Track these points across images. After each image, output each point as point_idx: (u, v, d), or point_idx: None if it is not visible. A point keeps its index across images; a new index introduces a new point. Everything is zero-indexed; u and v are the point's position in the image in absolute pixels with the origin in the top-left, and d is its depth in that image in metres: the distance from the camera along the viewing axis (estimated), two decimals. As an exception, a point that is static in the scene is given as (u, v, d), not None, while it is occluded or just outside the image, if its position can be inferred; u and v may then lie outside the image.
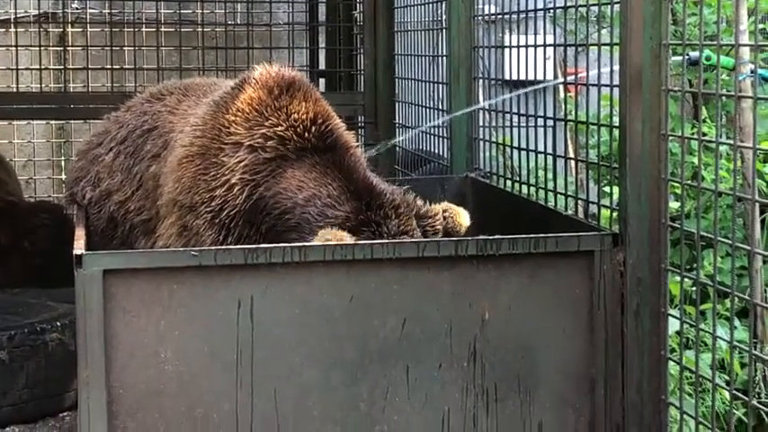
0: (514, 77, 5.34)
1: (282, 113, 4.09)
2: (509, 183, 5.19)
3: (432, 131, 6.40)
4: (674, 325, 4.06)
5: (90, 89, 8.27)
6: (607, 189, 4.59)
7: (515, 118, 5.15)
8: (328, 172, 4.03)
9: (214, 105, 4.22)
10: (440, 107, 6.35)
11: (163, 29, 8.48)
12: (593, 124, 4.59)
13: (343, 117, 4.42)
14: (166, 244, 4.21)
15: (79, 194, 4.82)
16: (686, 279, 3.97)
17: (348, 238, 3.78)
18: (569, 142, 7.06)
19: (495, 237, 3.92)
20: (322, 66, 8.64)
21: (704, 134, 7.09)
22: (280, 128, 4.07)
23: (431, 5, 6.69)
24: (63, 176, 9.05)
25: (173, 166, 4.24)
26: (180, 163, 4.19)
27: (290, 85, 4.17)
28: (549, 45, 5.04)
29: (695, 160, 4.82)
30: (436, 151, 6.37)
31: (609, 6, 4.29)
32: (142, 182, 4.52)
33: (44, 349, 5.71)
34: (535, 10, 5.02)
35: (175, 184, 4.19)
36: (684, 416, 3.94)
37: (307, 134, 4.08)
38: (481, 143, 5.59)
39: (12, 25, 8.49)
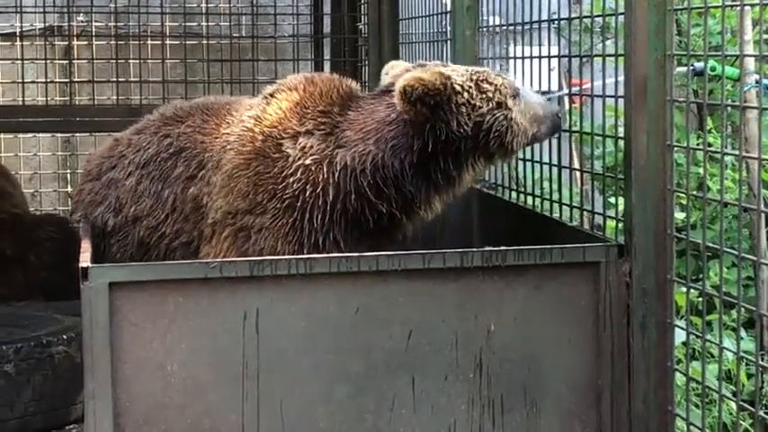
0: (519, 89, 5.34)
1: (316, 97, 4.40)
2: (514, 194, 5.19)
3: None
4: (680, 336, 4.06)
5: (95, 102, 8.27)
6: (612, 200, 4.59)
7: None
8: (372, 104, 4.37)
9: (254, 116, 4.45)
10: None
11: (168, 42, 8.49)
12: (598, 135, 4.59)
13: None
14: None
15: (99, 221, 4.80)
16: (692, 290, 3.98)
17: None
18: (574, 153, 7.06)
19: (501, 248, 3.93)
20: (327, 78, 8.63)
21: (709, 145, 7.09)
22: (320, 106, 4.37)
23: (435, 17, 6.70)
24: (69, 189, 9.06)
25: (223, 182, 4.39)
26: (231, 175, 4.36)
27: (312, 79, 4.52)
28: (554, 56, 5.05)
29: (701, 171, 4.83)
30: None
31: (613, 17, 4.29)
32: (177, 205, 4.57)
33: (50, 362, 5.71)
34: (540, 21, 5.02)
35: (228, 196, 4.36)
36: (691, 427, 3.94)
37: (338, 93, 4.42)
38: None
39: (17, 39, 8.50)
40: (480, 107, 4.22)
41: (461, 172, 4.29)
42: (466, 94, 4.20)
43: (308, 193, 4.23)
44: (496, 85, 4.27)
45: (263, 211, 4.27)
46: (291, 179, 4.25)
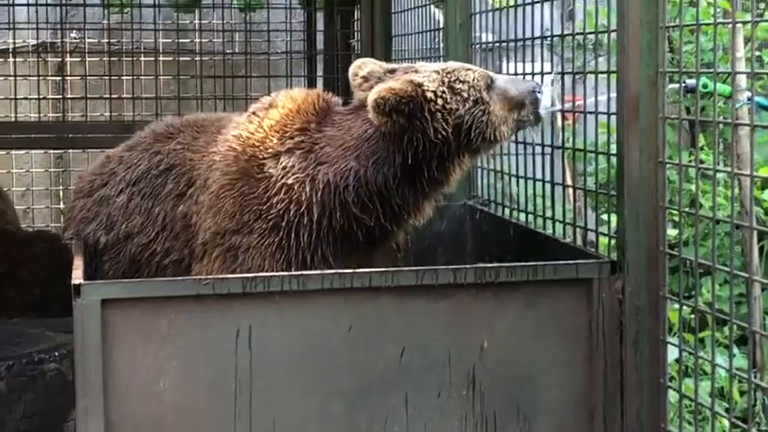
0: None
1: (293, 114, 4.37)
2: (507, 210, 5.19)
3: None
4: (672, 353, 4.06)
5: (88, 118, 8.26)
6: (605, 217, 4.59)
7: (513, 145, 5.15)
8: (348, 119, 4.33)
9: (237, 135, 4.42)
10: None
11: (161, 58, 8.49)
12: (590, 152, 4.59)
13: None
14: None
15: (91, 238, 4.80)
16: (685, 307, 3.97)
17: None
18: (567, 170, 7.07)
19: (494, 265, 3.93)
20: (320, 95, 8.64)
21: (702, 161, 7.11)
22: (298, 123, 4.33)
23: (428, 33, 6.70)
24: (61, 206, 9.06)
25: (211, 202, 4.38)
26: (218, 195, 4.35)
27: (291, 95, 4.48)
28: (547, 73, 5.05)
29: (693, 188, 4.83)
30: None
31: (606, 34, 4.30)
32: (167, 222, 4.56)
33: (42, 379, 5.69)
34: (533, 38, 5.02)
35: (216, 216, 4.34)
36: (684, 444, 3.93)
37: (314, 109, 4.38)
38: (479, 171, 5.60)
39: (10, 55, 8.51)
40: (457, 109, 4.17)
41: (448, 174, 4.26)
42: (440, 101, 4.16)
43: (291, 212, 4.21)
44: (469, 81, 4.22)
45: (250, 231, 4.26)
46: (275, 199, 4.23)
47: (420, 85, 4.15)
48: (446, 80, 4.21)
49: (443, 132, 4.15)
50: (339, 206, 4.20)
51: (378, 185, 4.19)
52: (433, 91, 4.16)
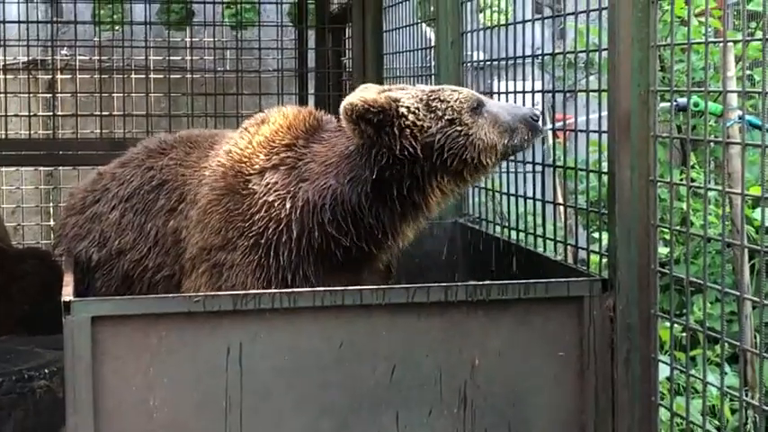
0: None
1: (283, 130, 4.35)
2: (498, 228, 5.19)
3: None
4: (664, 371, 4.05)
5: (79, 136, 8.25)
6: (596, 235, 4.59)
7: (504, 163, 5.15)
8: (335, 136, 4.31)
9: (228, 151, 4.41)
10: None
11: (152, 75, 8.49)
12: (581, 170, 4.60)
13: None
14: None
15: (83, 255, 4.78)
16: (676, 325, 3.97)
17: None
18: (558, 188, 7.07)
19: (485, 282, 3.92)
20: (311, 112, 8.65)
21: (693, 180, 7.11)
22: (286, 140, 4.31)
23: (420, 52, 6.71)
24: (51, 223, 9.04)
25: (199, 217, 4.37)
26: (206, 211, 4.33)
27: (282, 112, 4.47)
28: (538, 91, 5.06)
29: (684, 206, 4.83)
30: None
31: (597, 53, 4.30)
32: (159, 238, 4.55)
33: (32, 396, 5.67)
34: (524, 56, 5.03)
35: (203, 232, 4.33)
36: (675, 462, 3.92)
37: (304, 125, 4.37)
38: (470, 189, 5.59)
39: (1, 72, 8.49)
40: (429, 127, 4.11)
41: (426, 196, 4.18)
42: (411, 116, 4.10)
43: (270, 230, 4.17)
44: (449, 101, 4.16)
45: (234, 247, 4.24)
46: (257, 216, 4.20)
47: (396, 100, 4.13)
48: (425, 98, 4.16)
49: (411, 149, 4.09)
50: (317, 225, 4.16)
51: (352, 204, 4.14)
52: (406, 107, 4.12)
